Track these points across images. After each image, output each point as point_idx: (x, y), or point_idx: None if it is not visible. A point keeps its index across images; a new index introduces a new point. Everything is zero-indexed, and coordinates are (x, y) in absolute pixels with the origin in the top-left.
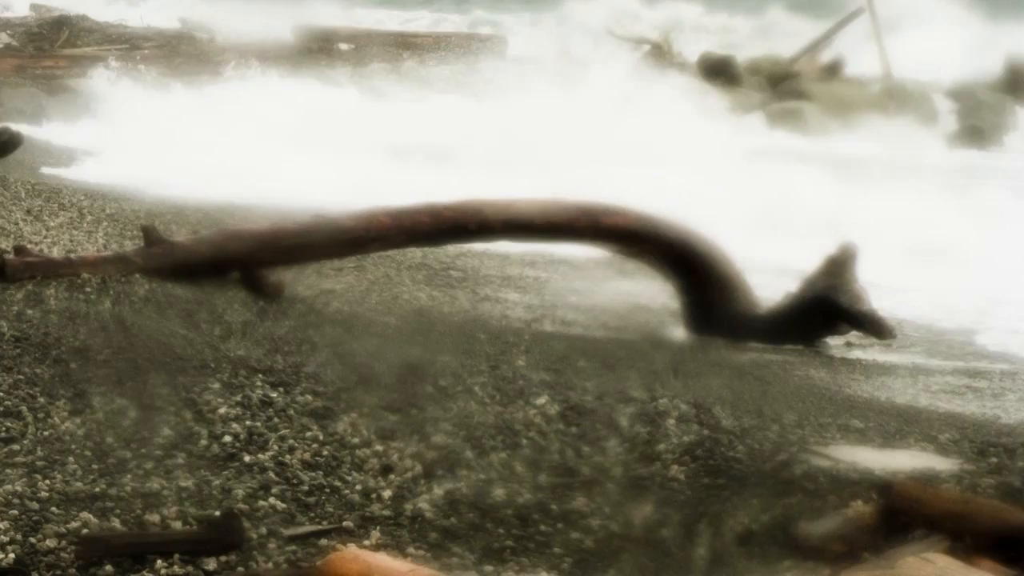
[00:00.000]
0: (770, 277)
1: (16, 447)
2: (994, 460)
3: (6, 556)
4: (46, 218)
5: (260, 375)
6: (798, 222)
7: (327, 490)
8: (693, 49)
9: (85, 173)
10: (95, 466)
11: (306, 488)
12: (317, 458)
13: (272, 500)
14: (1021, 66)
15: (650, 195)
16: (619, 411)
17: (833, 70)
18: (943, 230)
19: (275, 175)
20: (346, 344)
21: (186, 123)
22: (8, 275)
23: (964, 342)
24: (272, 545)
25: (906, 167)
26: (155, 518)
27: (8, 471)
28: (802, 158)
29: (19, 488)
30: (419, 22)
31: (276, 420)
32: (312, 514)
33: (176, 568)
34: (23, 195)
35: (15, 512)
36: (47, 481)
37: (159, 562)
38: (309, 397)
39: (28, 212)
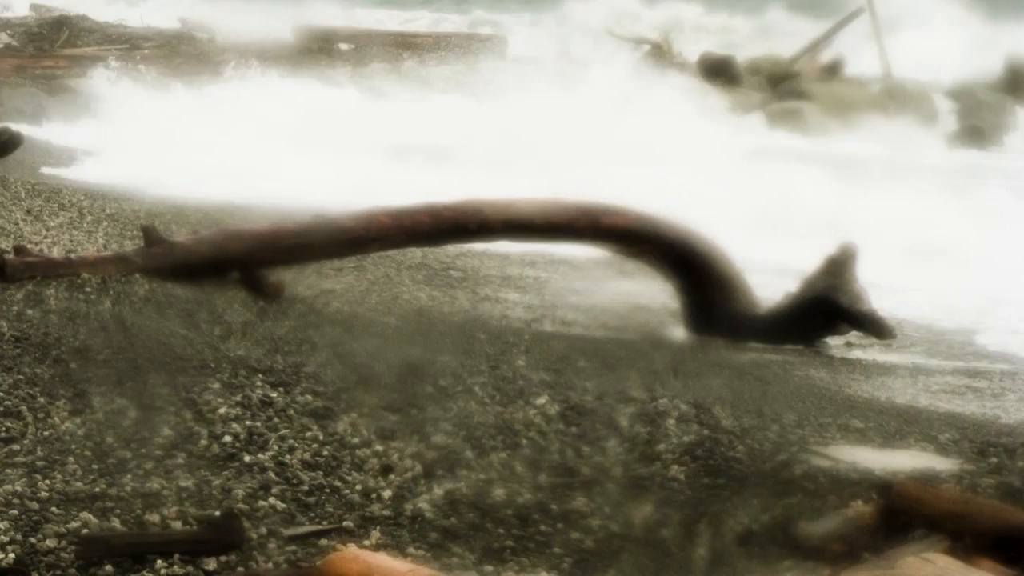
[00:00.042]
0: (770, 277)
1: (16, 447)
2: (994, 460)
3: (6, 556)
4: (46, 218)
5: (260, 375)
6: (798, 222)
7: (327, 490)
8: (693, 49)
9: (85, 173)
10: (95, 466)
11: (306, 488)
12: (317, 458)
13: (272, 500)
14: (1021, 66)
15: (650, 195)
16: (619, 411)
17: (833, 70)
18: (943, 230)
19: (275, 175)
20: (346, 344)
21: (186, 123)
22: (8, 275)
23: (964, 342)
24: (272, 545)
25: (906, 167)
26: (155, 518)
27: (8, 471)
28: (802, 158)
29: (19, 488)
30: (419, 22)
31: (276, 420)
32: (312, 514)
33: (176, 568)
34: (23, 195)
35: (15, 512)
36: (47, 481)
37: (159, 562)
38: (309, 397)
39: (28, 212)
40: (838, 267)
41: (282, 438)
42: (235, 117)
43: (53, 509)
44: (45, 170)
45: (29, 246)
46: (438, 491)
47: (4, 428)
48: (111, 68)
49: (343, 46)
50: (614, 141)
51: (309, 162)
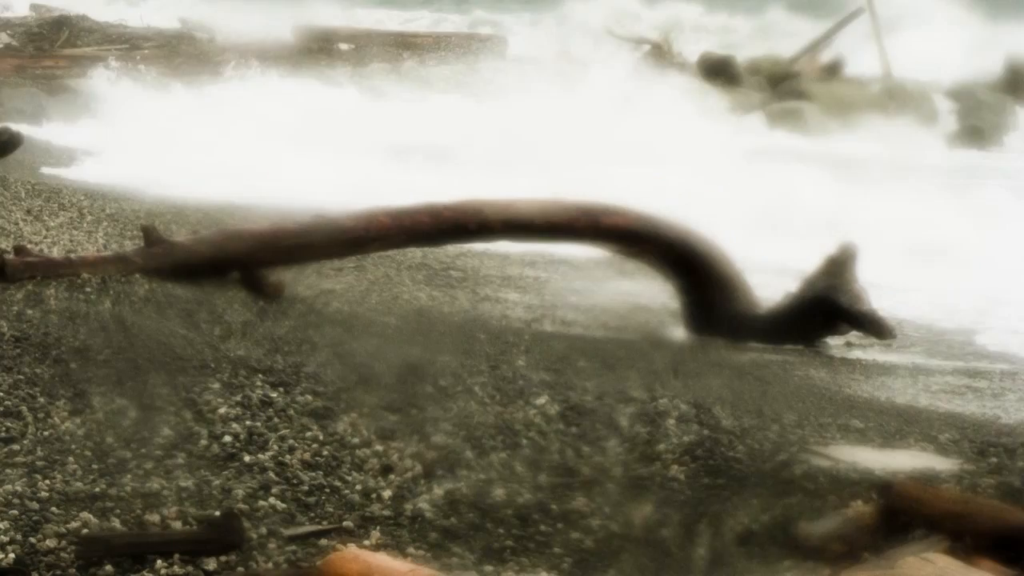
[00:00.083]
0: (770, 277)
1: (16, 447)
2: (994, 460)
3: (6, 556)
4: (46, 218)
5: (260, 375)
6: (798, 222)
7: (327, 490)
8: (693, 49)
9: (85, 173)
10: (95, 466)
11: (306, 488)
12: (317, 458)
13: (272, 500)
14: (1021, 66)
15: (650, 195)
16: (619, 411)
17: (833, 70)
18: (943, 230)
19: (275, 175)
20: (346, 344)
21: (186, 123)
22: (8, 275)
23: (964, 342)
24: (272, 545)
25: (906, 167)
26: (155, 518)
27: (8, 471)
28: (802, 158)
29: (19, 488)
30: (419, 22)
31: (276, 420)
32: (312, 514)
33: (176, 568)
34: (23, 195)
35: (15, 512)
36: (47, 481)
37: (159, 562)
38: (309, 397)
39: (28, 212)
40: (838, 267)
41: (282, 438)
42: (235, 117)
43: (53, 509)
44: (45, 170)
45: (29, 246)
46: (438, 491)
47: (4, 428)
48: (111, 68)
49: (343, 46)
50: (614, 141)
51: (309, 162)
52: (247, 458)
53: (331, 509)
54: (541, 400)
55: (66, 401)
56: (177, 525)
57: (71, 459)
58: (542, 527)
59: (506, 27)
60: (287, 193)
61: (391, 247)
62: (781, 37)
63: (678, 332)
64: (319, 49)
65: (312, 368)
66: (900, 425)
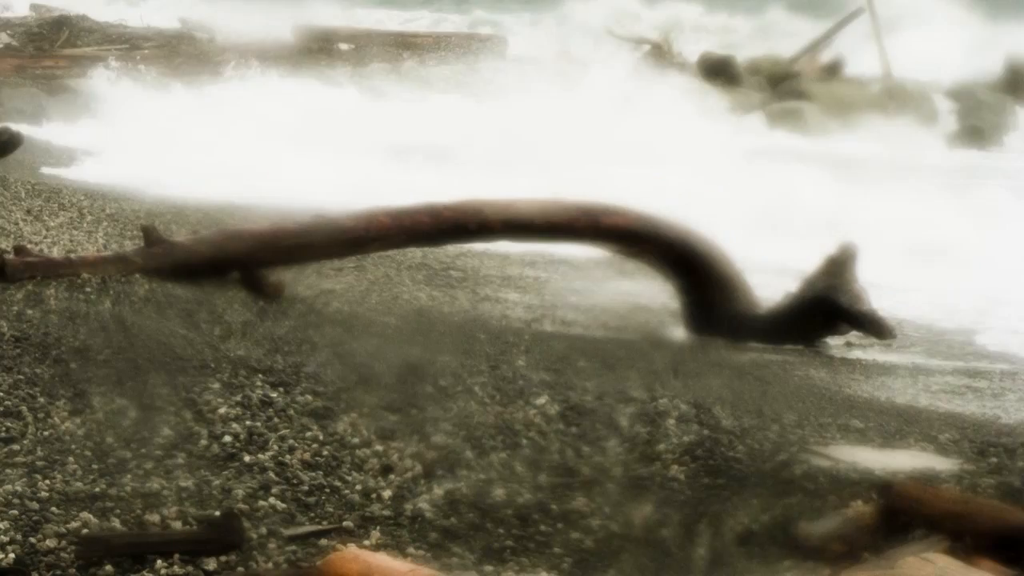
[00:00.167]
0: (770, 277)
1: (16, 447)
2: (994, 460)
3: (6, 556)
4: (46, 218)
5: (260, 375)
6: (798, 222)
7: (327, 490)
8: (693, 49)
9: (85, 173)
10: (95, 466)
11: (306, 488)
12: (317, 458)
13: (272, 500)
14: (1021, 66)
15: (650, 195)
16: (619, 411)
17: (833, 70)
18: (943, 230)
19: (275, 175)
20: (346, 344)
21: (186, 123)
22: (8, 275)
23: (964, 342)
24: (272, 545)
25: (906, 167)
26: (155, 518)
27: (8, 471)
28: (802, 158)
29: (19, 488)
30: (419, 22)
31: (276, 420)
32: (312, 514)
33: (176, 568)
34: (23, 195)
35: (15, 512)
36: (47, 481)
37: (159, 562)
38: (309, 397)
39: (28, 212)
40: (838, 267)
41: (282, 438)
42: (235, 117)
43: (53, 509)
44: (45, 170)
45: (29, 246)
46: (438, 491)
47: (4, 428)
48: (111, 68)
49: (343, 46)
50: (614, 141)
51: (309, 162)
52: (247, 458)
53: (331, 509)
54: (541, 400)
55: (66, 401)
56: (177, 525)
57: (71, 459)
58: (542, 527)
59: (506, 27)
60: (287, 193)
61: (391, 247)
62: (781, 37)
63: (678, 332)
64: (319, 49)
65: (312, 368)
66: (900, 425)
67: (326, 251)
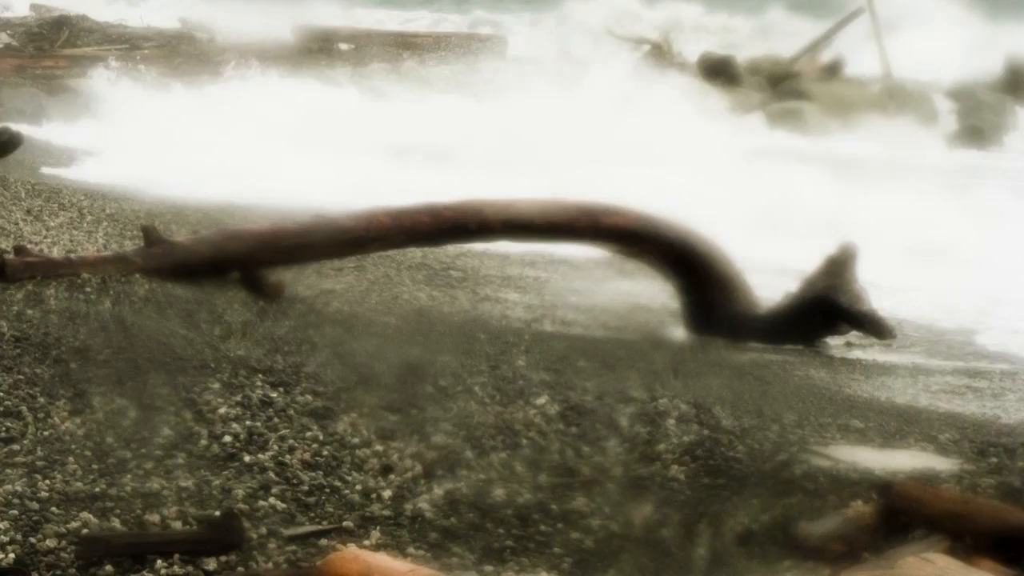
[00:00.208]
0: (770, 277)
1: (16, 447)
2: (994, 460)
3: (6, 556)
4: (46, 218)
5: (260, 375)
6: (798, 222)
7: (327, 490)
8: (693, 49)
9: (85, 173)
10: (95, 466)
11: (306, 488)
12: (317, 458)
13: (272, 500)
14: (1021, 66)
15: (650, 195)
16: (619, 411)
17: (833, 70)
18: (943, 230)
19: (275, 175)
20: (346, 344)
21: (186, 123)
22: (8, 275)
23: (964, 342)
24: (272, 545)
25: (906, 167)
26: (155, 518)
27: (8, 471)
28: (802, 158)
29: (19, 488)
30: (419, 22)
31: (276, 420)
32: (312, 514)
33: (176, 568)
34: (23, 195)
35: (15, 512)
36: (47, 481)
37: (159, 562)
38: (309, 397)
39: (28, 212)
40: (838, 267)
41: (282, 438)
42: (235, 117)
43: (53, 509)
44: (45, 170)
45: (29, 246)
46: (438, 491)
47: (4, 428)
48: (111, 68)
49: (343, 46)
50: (614, 141)
51: (309, 162)
52: (247, 458)
53: (331, 509)
54: (541, 400)
55: (66, 401)
56: (177, 525)
57: (71, 459)
58: (542, 527)
59: (506, 27)
60: (287, 193)
61: (391, 247)
62: (781, 37)
63: (678, 332)
64: (319, 49)
65: (312, 368)
66: (900, 425)
67: (326, 251)
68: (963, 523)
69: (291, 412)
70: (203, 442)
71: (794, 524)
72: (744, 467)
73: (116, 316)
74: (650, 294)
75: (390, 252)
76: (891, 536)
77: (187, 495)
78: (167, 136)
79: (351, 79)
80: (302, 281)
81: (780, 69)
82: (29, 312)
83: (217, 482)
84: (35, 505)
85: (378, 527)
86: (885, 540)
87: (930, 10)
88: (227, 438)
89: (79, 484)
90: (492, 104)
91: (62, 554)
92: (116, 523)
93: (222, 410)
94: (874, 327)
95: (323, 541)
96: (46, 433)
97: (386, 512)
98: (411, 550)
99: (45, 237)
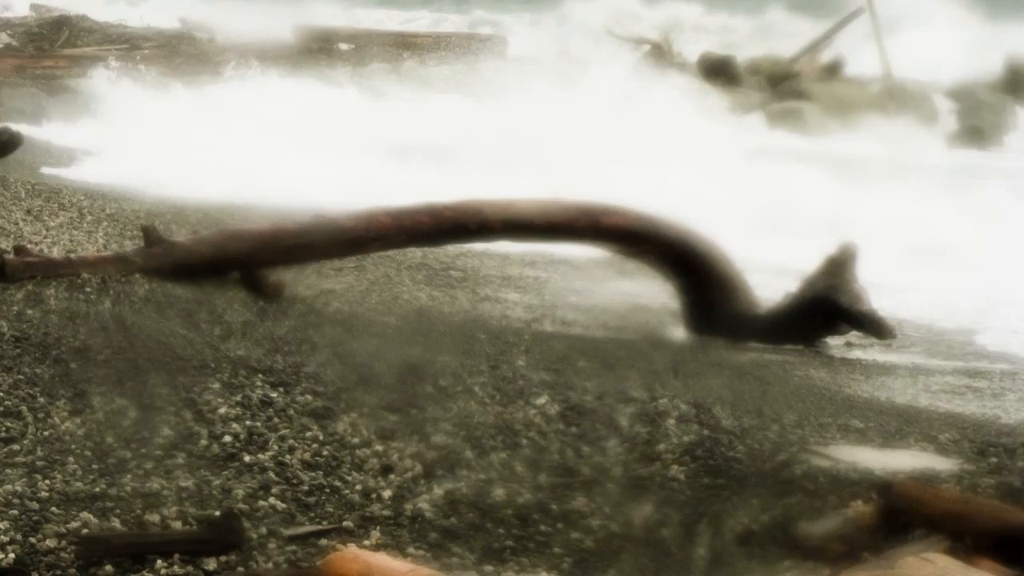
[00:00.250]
0: (770, 277)
1: (16, 447)
2: (994, 460)
3: (6, 556)
4: (46, 218)
5: (260, 375)
6: (798, 222)
7: (327, 490)
8: (693, 49)
9: (85, 173)
10: (95, 466)
11: (306, 488)
12: (317, 458)
13: (272, 500)
14: (1021, 66)
15: (650, 195)
16: (619, 411)
17: (833, 70)
18: (943, 230)
19: (275, 175)
20: (346, 344)
21: (186, 123)
22: (8, 275)
23: (964, 342)
24: (272, 545)
25: (906, 167)
26: (155, 518)
27: (8, 471)
28: (802, 158)
29: (19, 488)
30: (419, 22)
31: (276, 420)
32: (312, 514)
33: (176, 568)
34: (23, 195)
35: (15, 512)
36: (47, 481)
37: (159, 562)
38: (309, 397)
39: (28, 212)
40: (838, 267)
41: (282, 438)
42: (235, 117)
43: (53, 509)
44: (45, 170)
45: (29, 246)
46: (438, 491)
47: (4, 428)
48: (111, 68)
49: (343, 46)
50: (614, 141)
51: (309, 162)
52: (247, 458)
53: (331, 509)
54: (541, 400)
55: (66, 401)
56: (177, 525)
57: (71, 459)
58: (542, 527)
59: (506, 27)
60: (287, 193)
61: (391, 247)
62: (781, 37)
63: (678, 332)
64: (319, 49)
65: (312, 368)
66: (900, 425)
67: (326, 251)
68: (963, 523)
69: (291, 412)
70: (203, 442)
71: (794, 524)
72: (744, 467)
73: (116, 316)
74: (650, 294)
75: (390, 252)
76: (891, 536)
77: (187, 495)
78: (167, 136)
79: (351, 79)
80: (302, 281)
81: (780, 69)
82: (29, 312)
83: (217, 482)
84: (35, 505)
85: (378, 527)
86: (885, 540)
87: (930, 10)
88: (227, 438)
89: (79, 484)
90: (492, 104)
91: (62, 554)
92: (116, 523)
93: (222, 410)
94: (874, 327)
95: (323, 541)
96: (46, 433)
97: (386, 512)
98: (411, 550)
99: (45, 237)
